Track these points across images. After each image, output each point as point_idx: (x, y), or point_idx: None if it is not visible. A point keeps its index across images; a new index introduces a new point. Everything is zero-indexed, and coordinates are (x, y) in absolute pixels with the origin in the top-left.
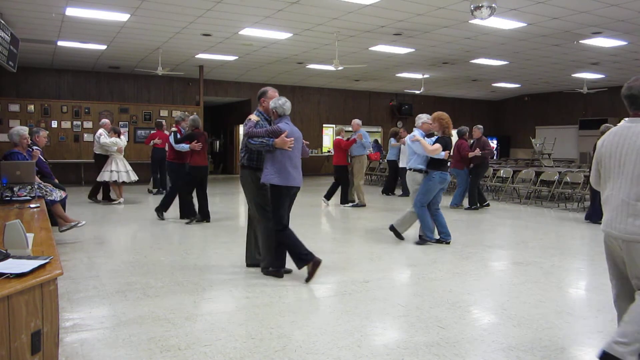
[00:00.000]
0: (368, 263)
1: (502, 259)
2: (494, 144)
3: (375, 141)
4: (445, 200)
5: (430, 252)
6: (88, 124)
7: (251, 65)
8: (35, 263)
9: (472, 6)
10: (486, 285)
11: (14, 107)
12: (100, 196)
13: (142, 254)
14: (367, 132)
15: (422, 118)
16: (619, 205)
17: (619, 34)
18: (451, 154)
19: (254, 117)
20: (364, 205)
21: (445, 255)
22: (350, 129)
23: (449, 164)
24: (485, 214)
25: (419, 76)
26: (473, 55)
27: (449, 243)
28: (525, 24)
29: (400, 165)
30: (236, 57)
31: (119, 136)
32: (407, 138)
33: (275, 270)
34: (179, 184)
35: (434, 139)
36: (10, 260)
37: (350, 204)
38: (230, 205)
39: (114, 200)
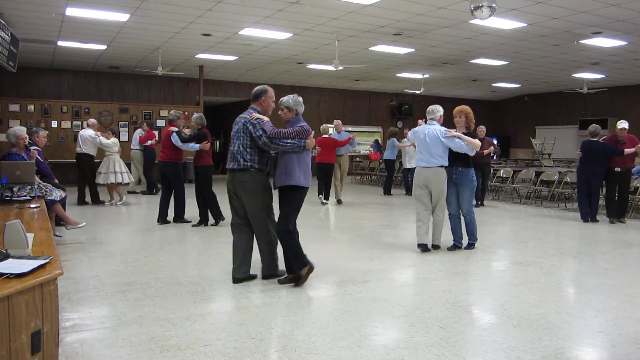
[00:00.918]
0: (368, 263)
1: (502, 259)
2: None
3: (376, 141)
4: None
5: (430, 253)
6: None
7: (251, 65)
8: (35, 263)
9: (472, 6)
10: (486, 285)
11: (14, 107)
12: (88, 198)
13: (142, 254)
14: (367, 132)
15: (441, 111)
16: None
17: (619, 34)
18: None
19: (264, 117)
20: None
21: (445, 255)
22: (351, 129)
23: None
24: (486, 214)
25: (419, 76)
26: (473, 55)
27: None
28: (525, 24)
29: (408, 165)
30: (236, 57)
31: (116, 136)
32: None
33: (308, 267)
34: (181, 184)
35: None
36: (10, 260)
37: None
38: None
39: (104, 201)
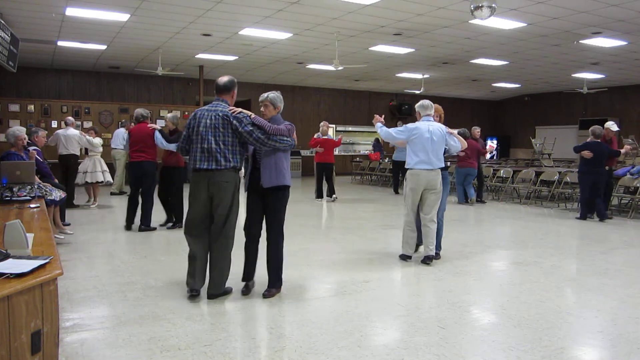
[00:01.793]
0: (368, 263)
1: (502, 259)
2: (494, 143)
3: (377, 140)
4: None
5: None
6: (88, 124)
7: (251, 65)
8: (35, 263)
9: (472, 6)
10: (486, 285)
11: (14, 107)
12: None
13: (142, 254)
14: (368, 132)
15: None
16: None
17: (619, 34)
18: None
19: (249, 112)
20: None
21: (445, 255)
22: (351, 129)
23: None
24: (486, 214)
25: (419, 76)
26: (473, 55)
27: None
28: (525, 24)
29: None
30: (236, 57)
31: (99, 136)
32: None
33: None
34: (155, 187)
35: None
36: (10, 260)
37: (333, 198)
38: None
39: (78, 205)
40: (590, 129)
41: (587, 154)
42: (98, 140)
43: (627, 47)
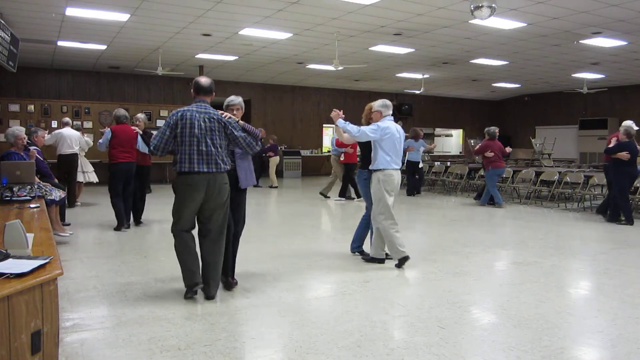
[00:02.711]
0: (368, 263)
1: (502, 259)
2: None
3: None
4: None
5: (430, 253)
6: (88, 124)
7: (251, 65)
8: (35, 263)
9: (472, 6)
10: (486, 285)
11: (14, 107)
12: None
13: (142, 253)
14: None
15: None
16: None
17: (619, 34)
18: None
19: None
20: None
21: (446, 256)
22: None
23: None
24: (486, 214)
25: (419, 76)
26: (473, 55)
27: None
28: (525, 24)
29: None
30: (236, 57)
31: None
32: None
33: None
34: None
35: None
36: (10, 260)
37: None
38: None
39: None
40: (622, 129)
41: (624, 155)
42: (89, 141)
43: (627, 47)
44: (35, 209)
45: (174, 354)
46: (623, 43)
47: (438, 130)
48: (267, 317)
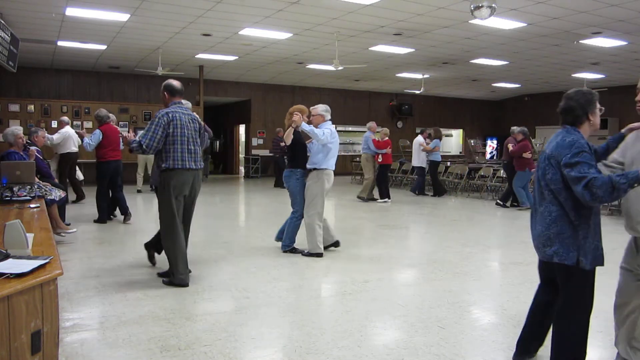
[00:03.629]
0: (368, 263)
1: (502, 259)
2: (494, 143)
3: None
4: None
5: (431, 253)
6: (88, 124)
7: (251, 65)
8: (35, 263)
9: (472, 6)
10: (486, 285)
11: (14, 107)
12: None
13: (142, 253)
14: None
15: None
16: None
17: (619, 34)
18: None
19: None
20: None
21: (446, 256)
22: (351, 129)
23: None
24: (486, 214)
25: (419, 76)
26: (473, 55)
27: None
28: (525, 24)
29: (417, 164)
30: (236, 57)
31: None
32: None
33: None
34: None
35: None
36: (10, 260)
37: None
38: (231, 205)
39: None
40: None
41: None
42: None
43: (627, 47)
44: (35, 209)
45: (174, 354)
46: (623, 43)
47: None
48: (267, 317)
